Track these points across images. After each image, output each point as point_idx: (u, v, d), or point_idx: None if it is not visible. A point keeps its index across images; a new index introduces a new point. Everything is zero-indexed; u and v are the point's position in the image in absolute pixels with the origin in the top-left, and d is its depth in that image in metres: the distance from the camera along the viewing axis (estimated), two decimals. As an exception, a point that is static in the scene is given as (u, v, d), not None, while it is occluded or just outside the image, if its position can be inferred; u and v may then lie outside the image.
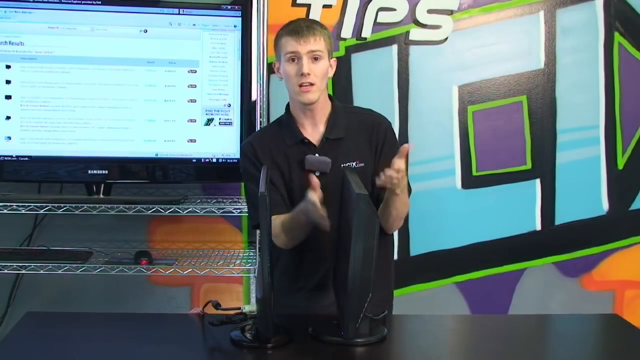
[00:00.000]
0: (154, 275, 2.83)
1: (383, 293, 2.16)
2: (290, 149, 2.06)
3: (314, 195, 1.83)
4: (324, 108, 2.09)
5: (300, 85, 1.99)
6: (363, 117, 2.14)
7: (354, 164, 2.05)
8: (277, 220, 1.98)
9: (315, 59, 1.99)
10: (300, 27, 2.00)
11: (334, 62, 2.08)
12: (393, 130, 2.16)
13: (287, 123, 2.10)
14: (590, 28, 2.96)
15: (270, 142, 2.10)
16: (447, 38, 2.93)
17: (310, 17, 2.87)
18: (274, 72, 2.86)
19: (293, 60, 1.99)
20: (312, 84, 1.99)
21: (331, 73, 2.07)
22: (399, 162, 1.86)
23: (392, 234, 2.20)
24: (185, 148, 2.67)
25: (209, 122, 2.68)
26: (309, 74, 1.97)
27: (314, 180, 1.87)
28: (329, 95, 2.15)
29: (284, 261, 2.13)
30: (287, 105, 2.12)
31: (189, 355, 1.70)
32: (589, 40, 2.97)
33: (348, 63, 2.92)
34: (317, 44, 1.99)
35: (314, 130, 2.08)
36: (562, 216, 3.02)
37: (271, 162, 2.05)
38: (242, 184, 2.86)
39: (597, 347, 1.95)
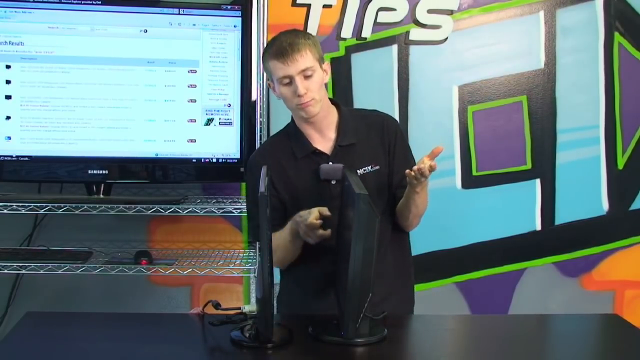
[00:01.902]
0: (154, 275, 2.83)
1: (405, 293, 2.15)
2: (301, 162, 2.03)
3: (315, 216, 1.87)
4: (328, 116, 2.05)
5: (298, 104, 1.96)
6: (371, 119, 2.11)
7: (369, 167, 2.02)
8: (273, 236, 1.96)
9: (308, 75, 1.95)
10: (284, 49, 1.93)
11: (327, 66, 2.03)
12: (402, 130, 2.15)
13: (295, 135, 2.06)
14: (590, 28, 2.96)
15: (279, 155, 2.06)
16: (447, 38, 2.93)
17: (310, 17, 2.87)
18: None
19: (287, 83, 1.95)
20: (310, 99, 1.96)
21: (326, 78, 2.03)
22: (433, 163, 1.86)
23: (408, 234, 2.19)
24: (185, 148, 2.67)
25: (209, 122, 2.68)
26: (305, 94, 1.94)
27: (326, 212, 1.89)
28: (334, 101, 2.10)
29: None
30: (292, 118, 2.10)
31: (189, 355, 1.69)
32: (589, 40, 2.97)
33: (348, 63, 2.92)
34: (305, 60, 1.94)
35: (323, 139, 2.05)
36: (562, 216, 3.02)
37: (280, 177, 2.03)
38: (242, 184, 2.87)
39: (597, 347, 1.94)
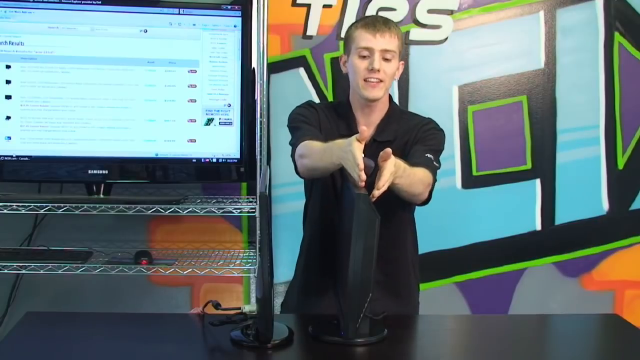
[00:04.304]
0: (154, 275, 2.83)
1: (407, 298, 2.15)
2: (341, 138, 2.00)
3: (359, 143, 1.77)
4: (382, 109, 2.07)
5: (366, 80, 1.97)
6: (415, 120, 2.10)
7: None
8: (315, 142, 1.95)
9: (387, 59, 1.97)
10: (378, 22, 1.98)
11: (401, 64, 2.06)
12: (441, 131, 2.10)
13: (345, 114, 2.07)
14: (590, 28, 2.96)
15: (326, 118, 2.08)
16: (447, 38, 2.93)
17: (310, 17, 2.87)
18: (274, 72, 2.88)
19: (365, 56, 1.97)
20: (380, 81, 1.97)
21: (398, 75, 2.06)
22: (383, 176, 1.76)
23: (414, 242, 2.18)
24: (185, 148, 2.67)
25: (209, 122, 2.67)
26: (379, 70, 1.95)
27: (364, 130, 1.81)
28: (389, 97, 2.12)
29: (303, 262, 2.15)
30: (347, 96, 2.11)
31: (189, 355, 1.70)
32: (589, 40, 2.97)
33: (348, 63, 2.92)
34: (391, 42, 1.97)
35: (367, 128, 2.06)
36: (562, 216, 3.02)
37: (324, 130, 2.03)
38: (242, 184, 2.87)
39: (597, 347, 1.95)
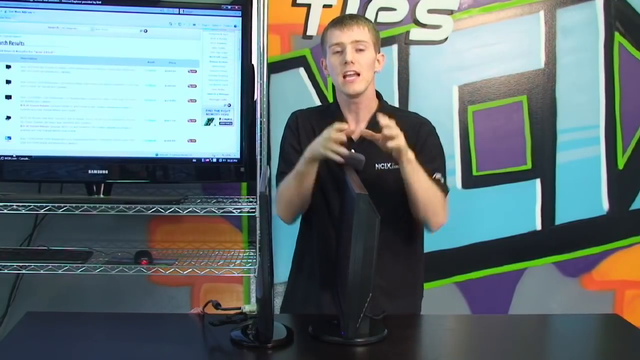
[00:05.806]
0: (154, 275, 2.83)
1: (406, 304, 2.14)
2: None
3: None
4: (369, 105, 2.07)
5: (345, 76, 1.97)
6: (407, 119, 2.10)
7: (388, 165, 2.01)
8: (284, 181, 2.05)
9: (360, 49, 1.98)
10: (344, 18, 2.03)
11: (381, 56, 2.06)
12: (436, 135, 2.11)
13: (334, 113, 2.09)
14: (590, 28, 2.96)
15: (314, 122, 2.10)
16: (447, 38, 2.93)
17: (310, 17, 2.87)
18: (274, 72, 2.89)
19: (338, 51, 1.99)
20: (357, 74, 1.97)
21: (379, 67, 2.06)
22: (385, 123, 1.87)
23: (418, 247, 2.17)
24: (185, 148, 2.67)
25: (209, 122, 2.68)
26: (352, 62, 1.96)
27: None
28: (378, 93, 2.12)
29: (309, 262, 2.15)
30: (336, 97, 2.13)
31: (189, 355, 1.70)
32: (589, 40, 2.97)
33: (348, 63, 2.92)
34: (361, 33, 1.98)
35: (355, 127, 2.07)
36: (562, 216, 3.02)
37: (308, 140, 2.05)
38: (242, 184, 2.87)
39: (597, 347, 1.95)
